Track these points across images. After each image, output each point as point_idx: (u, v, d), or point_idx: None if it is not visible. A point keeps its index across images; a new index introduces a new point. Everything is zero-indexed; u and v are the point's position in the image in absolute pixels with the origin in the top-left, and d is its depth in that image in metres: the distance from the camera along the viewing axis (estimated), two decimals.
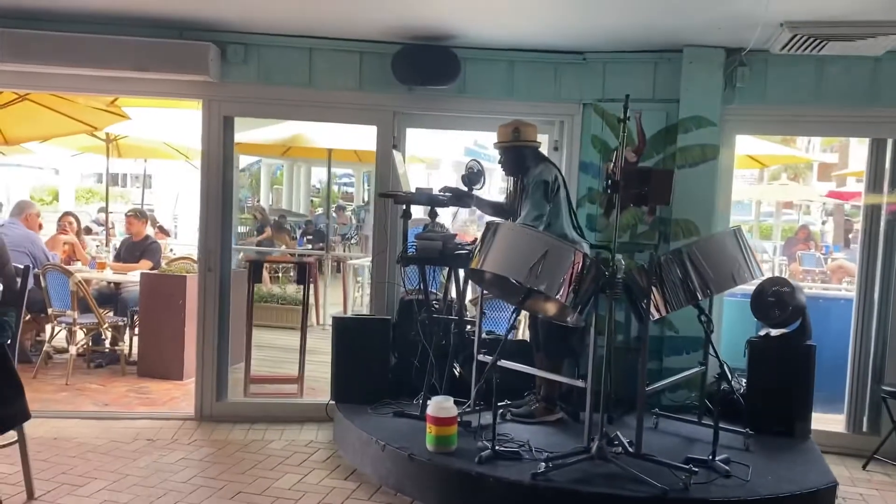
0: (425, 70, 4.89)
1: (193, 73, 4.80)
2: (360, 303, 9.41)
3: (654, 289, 3.94)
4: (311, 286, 8.86)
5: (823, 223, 21.20)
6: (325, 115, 5.40)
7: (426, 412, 4.13)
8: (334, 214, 16.27)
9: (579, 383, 4.04)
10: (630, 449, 3.95)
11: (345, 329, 4.98)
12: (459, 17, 4.58)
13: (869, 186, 5.08)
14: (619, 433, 4.06)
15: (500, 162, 4.63)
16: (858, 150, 17.16)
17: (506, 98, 5.18)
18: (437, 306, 4.83)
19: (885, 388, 4.82)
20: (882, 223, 5.01)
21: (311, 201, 19.85)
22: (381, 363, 4.95)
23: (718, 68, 4.90)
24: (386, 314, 5.22)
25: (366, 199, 19.78)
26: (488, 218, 4.70)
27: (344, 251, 14.05)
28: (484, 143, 17.44)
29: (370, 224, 15.51)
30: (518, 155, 4.50)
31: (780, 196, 15.77)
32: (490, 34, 4.92)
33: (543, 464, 3.79)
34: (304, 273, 5.46)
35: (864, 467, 4.77)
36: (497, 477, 3.79)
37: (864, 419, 5.10)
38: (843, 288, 8.56)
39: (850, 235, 15.78)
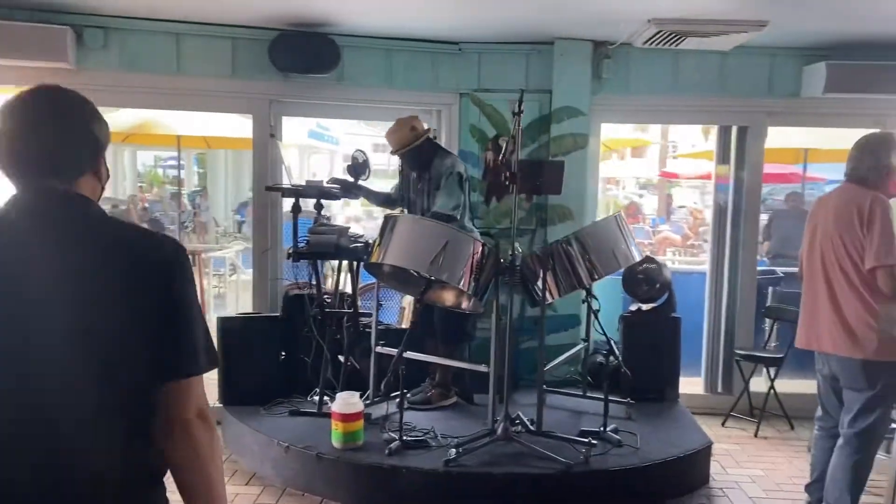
0: (305, 57, 4.76)
1: (48, 60, 4.37)
2: (211, 295, 9.03)
3: (547, 274, 4.12)
4: None
5: (641, 197, 22.99)
6: (196, 103, 5.13)
7: (332, 409, 4.08)
8: (171, 201, 15.43)
9: (482, 368, 4.18)
10: (531, 427, 4.14)
11: (231, 329, 4.79)
12: (337, 4, 4.48)
13: (718, 166, 5.60)
14: (519, 413, 4.24)
15: (401, 165, 4.59)
16: (675, 132, 18.66)
17: (384, 87, 5.16)
18: (328, 300, 4.76)
19: (738, 351, 5.36)
20: (730, 201, 5.52)
21: (140, 187, 18.67)
22: (271, 362, 4.81)
23: (586, 60, 5.17)
24: (270, 311, 5.08)
25: (196, 183, 18.85)
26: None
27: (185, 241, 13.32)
28: (326, 126, 17.16)
29: (207, 209, 14.82)
30: (420, 151, 4.48)
31: (615, 173, 16.91)
32: (368, 22, 4.87)
33: (454, 450, 3.89)
34: None
35: (723, 424, 5.29)
36: (410, 467, 3.84)
37: (719, 381, 5.65)
38: (667, 259, 9.39)
39: (671, 208, 17.32)
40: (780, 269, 6.01)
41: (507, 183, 3.92)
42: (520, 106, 3.91)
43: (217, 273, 9.32)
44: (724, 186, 5.60)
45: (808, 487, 3.76)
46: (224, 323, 4.82)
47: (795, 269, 6.11)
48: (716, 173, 5.68)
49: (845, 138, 7.83)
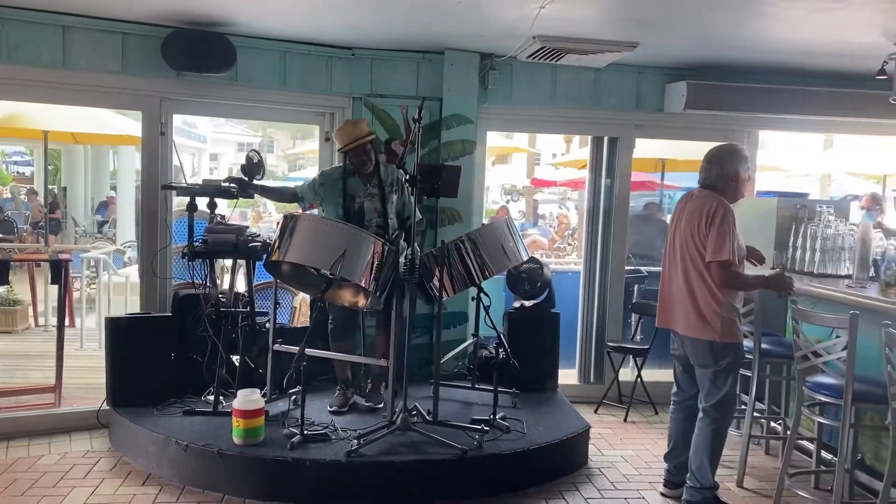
0: (199, 56, 4.73)
1: None
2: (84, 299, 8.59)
3: (443, 272, 4.35)
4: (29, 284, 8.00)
5: (507, 202, 23.93)
6: (83, 98, 4.95)
7: (233, 406, 4.12)
8: (24, 199, 14.48)
9: (381, 362, 4.36)
10: (428, 417, 4.36)
11: (120, 329, 4.69)
12: (233, 4, 4.50)
13: (591, 174, 6.06)
14: (416, 404, 4.45)
15: (343, 169, 4.66)
16: (541, 141, 19.55)
17: (279, 88, 5.22)
18: (223, 299, 4.77)
19: (609, 343, 5.83)
20: (601, 206, 5.99)
21: None
22: (162, 363, 4.75)
23: (474, 71, 5.46)
24: (159, 311, 5.01)
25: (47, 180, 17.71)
26: None
27: (38, 241, 12.52)
28: (193, 123, 16.65)
29: (64, 210, 14.01)
30: (374, 149, 4.69)
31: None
32: (264, 23, 4.91)
33: (355, 441, 4.04)
34: (59, 271, 4.96)
35: (595, 411, 5.73)
36: (313, 459, 3.96)
37: (591, 371, 6.11)
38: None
39: (536, 213, 18.10)
40: (644, 269, 6.56)
41: (406, 185, 4.11)
42: (419, 113, 4.13)
43: (76, 276, 8.83)
44: (595, 192, 6.05)
45: (666, 456, 4.24)
46: (113, 323, 4.71)
47: (657, 269, 6.74)
48: (588, 180, 6.13)
49: (698, 150, 8.69)
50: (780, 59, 5.31)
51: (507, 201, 23.88)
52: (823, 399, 3.78)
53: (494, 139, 11.93)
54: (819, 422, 4.18)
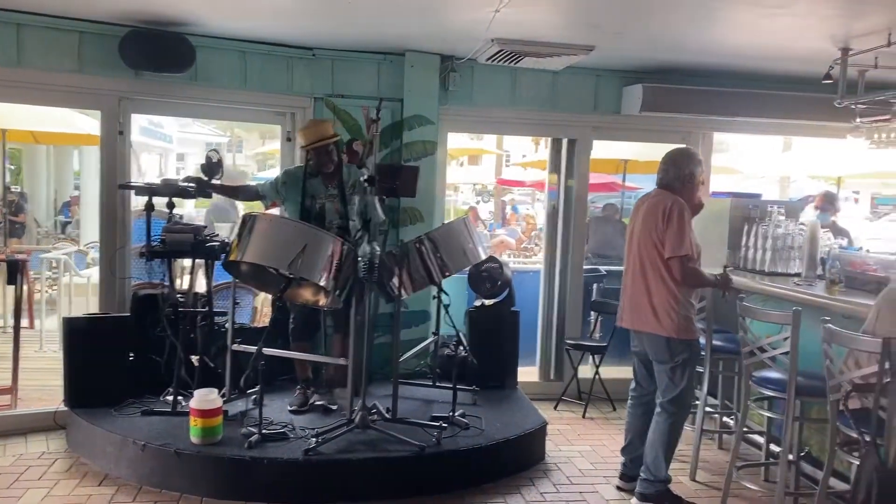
0: (157, 56, 4.72)
1: None
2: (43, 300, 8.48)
3: (403, 271, 4.40)
4: None
5: (477, 203, 24.06)
6: (39, 97, 4.92)
7: (191, 405, 4.12)
8: None
9: (341, 361, 4.38)
10: (387, 415, 4.40)
11: (77, 330, 4.65)
12: (191, 4, 4.49)
13: (550, 175, 6.15)
14: (376, 402, 4.49)
15: (321, 161, 4.63)
16: (509, 142, 19.66)
17: (240, 88, 5.23)
18: (182, 299, 4.76)
19: (568, 341, 5.92)
20: (561, 206, 6.08)
21: None
22: (120, 363, 4.73)
23: (435, 73, 5.52)
24: (118, 311, 4.98)
25: (9, 180, 17.35)
26: None
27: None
28: (159, 122, 16.41)
29: (25, 210, 13.75)
30: (337, 149, 4.69)
31: (453, 180, 17.53)
32: (223, 23, 4.91)
33: (314, 439, 4.07)
34: (16, 271, 4.91)
35: (555, 408, 5.82)
36: (270, 458, 3.97)
37: (552, 368, 6.20)
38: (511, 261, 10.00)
39: (505, 213, 18.19)
40: (602, 268, 6.66)
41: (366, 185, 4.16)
42: (378, 113, 4.17)
43: (37, 276, 8.71)
44: (555, 194, 6.14)
45: (623, 450, 4.35)
46: (70, 323, 4.68)
47: (616, 268, 6.85)
48: (548, 181, 6.22)
49: (659, 152, 8.85)
50: (733, 62, 5.44)
51: (478, 202, 24.02)
52: (769, 393, 3.90)
53: (463, 140, 12.01)
54: (768, 416, 4.30)
